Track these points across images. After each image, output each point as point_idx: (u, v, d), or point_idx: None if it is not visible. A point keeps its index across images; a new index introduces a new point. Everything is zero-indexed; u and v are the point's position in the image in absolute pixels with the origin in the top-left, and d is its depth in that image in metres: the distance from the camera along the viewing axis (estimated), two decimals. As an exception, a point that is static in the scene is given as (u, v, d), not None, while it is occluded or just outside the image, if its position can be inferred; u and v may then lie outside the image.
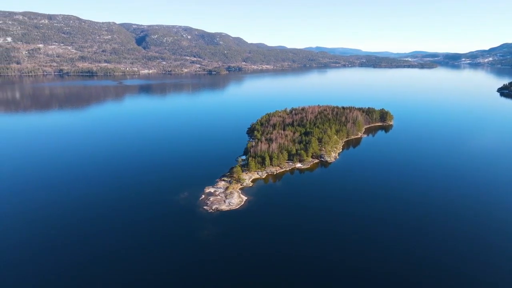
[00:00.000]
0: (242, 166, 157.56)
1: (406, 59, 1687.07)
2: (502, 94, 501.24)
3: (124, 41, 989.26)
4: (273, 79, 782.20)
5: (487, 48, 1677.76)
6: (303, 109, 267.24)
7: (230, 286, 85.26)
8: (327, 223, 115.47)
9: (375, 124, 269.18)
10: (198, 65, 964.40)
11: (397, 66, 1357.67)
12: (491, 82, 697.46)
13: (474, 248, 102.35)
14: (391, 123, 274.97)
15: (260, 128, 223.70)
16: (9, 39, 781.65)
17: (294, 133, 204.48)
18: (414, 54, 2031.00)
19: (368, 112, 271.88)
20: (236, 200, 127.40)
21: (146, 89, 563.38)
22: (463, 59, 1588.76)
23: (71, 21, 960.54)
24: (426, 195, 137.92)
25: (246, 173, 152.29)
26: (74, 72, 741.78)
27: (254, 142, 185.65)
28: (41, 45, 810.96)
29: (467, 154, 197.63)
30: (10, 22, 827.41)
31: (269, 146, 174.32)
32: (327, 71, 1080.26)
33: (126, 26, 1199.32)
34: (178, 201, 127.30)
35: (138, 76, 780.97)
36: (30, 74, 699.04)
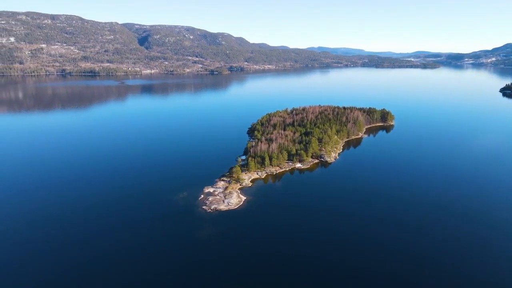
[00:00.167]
0: (242, 166, 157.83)
1: (409, 59, 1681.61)
2: (504, 95, 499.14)
3: (127, 41, 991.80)
4: (274, 79, 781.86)
5: (490, 48, 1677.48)
6: (304, 109, 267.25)
7: (227, 286, 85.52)
8: (326, 223, 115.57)
9: (376, 124, 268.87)
10: (200, 65, 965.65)
11: (400, 66, 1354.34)
12: (494, 82, 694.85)
13: (474, 248, 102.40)
14: (392, 123, 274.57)
15: (260, 128, 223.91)
16: (12, 39, 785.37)
17: (294, 133, 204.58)
18: (416, 54, 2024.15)
19: (369, 112, 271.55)
20: (235, 200, 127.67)
21: (148, 89, 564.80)
22: (466, 59, 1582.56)
23: (73, 21, 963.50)
24: (426, 195, 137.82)
25: (245, 173, 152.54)
26: (76, 72, 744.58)
27: (254, 142, 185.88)
28: (43, 45, 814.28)
29: (468, 155, 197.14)
30: (13, 22, 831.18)
31: (269, 146, 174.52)
32: (329, 71, 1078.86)
33: (128, 26, 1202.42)
34: (177, 201, 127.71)
35: (140, 76, 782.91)
36: (32, 74, 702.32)
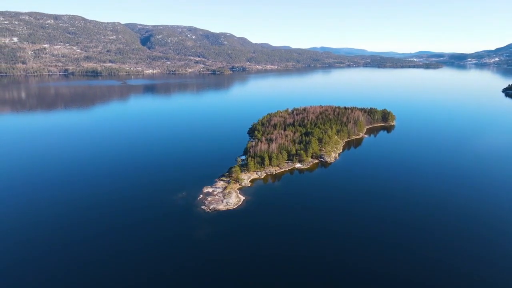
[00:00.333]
0: (242, 166, 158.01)
1: (412, 59, 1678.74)
2: (507, 95, 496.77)
3: (129, 41, 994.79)
4: (276, 79, 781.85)
5: (493, 48, 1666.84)
6: (304, 109, 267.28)
7: (225, 286, 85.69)
8: (325, 223, 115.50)
9: (377, 125, 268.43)
10: (202, 65, 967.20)
11: (402, 66, 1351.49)
12: (496, 82, 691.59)
13: (474, 248, 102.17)
14: (393, 123, 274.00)
15: (261, 128, 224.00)
16: (15, 39, 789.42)
17: (294, 133, 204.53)
18: (419, 54, 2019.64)
19: (370, 112, 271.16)
20: (234, 200, 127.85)
21: (149, 89, 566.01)
22: (469, 59, 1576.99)
23: (76, 21, 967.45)
24: (426, 195, 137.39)
25: (245, 173, 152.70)
26: (79, 72, 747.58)
27: (254, 142, 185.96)
28: (46, 45, 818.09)
29: (469, 155, 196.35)
30: (16, 22, 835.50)
31: (269, 146, 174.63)
32: (331, 71, 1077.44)
33: (131, 26, 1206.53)
34: (176, 200, 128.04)
35: (143, 76, 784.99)
36: (35, 74, 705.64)
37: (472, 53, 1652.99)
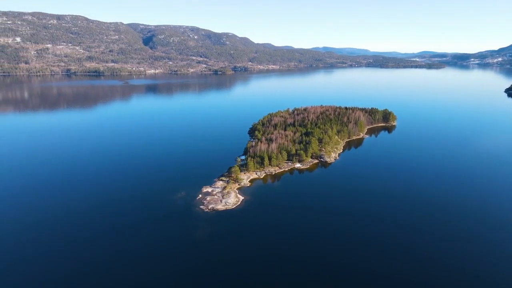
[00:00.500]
0: (241, 166, 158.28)
1: (414, 59, 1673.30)
2: (510, 95, 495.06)
3: (131, 41, 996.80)
4: (277, 80, 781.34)
5: (496, 48, 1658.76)
6: (305, 109, 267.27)
7: (222, 286, 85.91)
8: (324, 223, 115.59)
9: (378, 125, 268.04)
10: (204, 65, 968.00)
11: (405, 66, 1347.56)
12: (499, 83, 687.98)
13: (474, 248, 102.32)
14: (394, 123, 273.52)
15: (261, 128, 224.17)
16: (18, 39, 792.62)
17: (294, 133, 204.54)
18: (422, 54, 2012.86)
19: (371, 112, 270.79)
20: (232, 199, 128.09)
21: (151, 89, 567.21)
22: (472, 59, 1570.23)
23: (79, 22, 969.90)
24: (427, 196, 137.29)
25: (244, 173, 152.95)
26: (81, 72, 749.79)
27: (254, 142, 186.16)
28: (49, 45, 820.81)
29: (470, 155, 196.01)
30: (19, 22, 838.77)
31: (269, 146, 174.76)
32: (333, 71, 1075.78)
33: (133, 26, 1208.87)
34: (175, 200, 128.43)
35: (145, 76, 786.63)
36: (38, 74, 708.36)
37: (475, 53, 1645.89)
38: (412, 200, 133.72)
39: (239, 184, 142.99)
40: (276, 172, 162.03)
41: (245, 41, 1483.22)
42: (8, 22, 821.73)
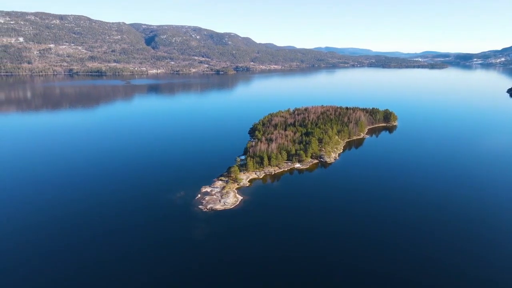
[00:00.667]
0: (241, 166, 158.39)
1: (416, 59, 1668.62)
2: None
3: (134, 41, 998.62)
4: (279, 80, 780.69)
5: (499, 48, 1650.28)
6: (306, 109, 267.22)
7: (219, 286, 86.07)
8: (323, 224, 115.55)
9: (378, 125, 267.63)
10: (206, 65, 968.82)
11: (407, 66, 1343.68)
12: (502, 83, 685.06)
13: (475, 248, 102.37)
14: (395, 123, 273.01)
15: (261, 128, 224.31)
16: (21, 39, 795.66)
17: (295, 133, 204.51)
18: (424, 54, 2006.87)
19: (372, 112, 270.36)
20: (231, 199, 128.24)
21: (153, 89, 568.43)
22: (475, 59, 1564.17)
23: (81, 22, 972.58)
24: (427, 197, 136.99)
25: (243, 173, 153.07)
26: (83, 72, 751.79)
27: (254, 142, 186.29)
28: (52, 45, 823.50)
29: (472, 156, 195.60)
30: (22, 23, 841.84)
31: (269, 146, 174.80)
32: (335, 71, 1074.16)
33: (135, 26, 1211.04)
34: (174, 200, 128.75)
35: (147, 75, 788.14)
36: (40, 73, 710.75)
37: (478, 53, 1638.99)
38: (412, 200, 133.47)
39: (238, 184, 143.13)
40: (275, 172, 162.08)
41: (247, 41, 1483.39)
42: (11, 22, 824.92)
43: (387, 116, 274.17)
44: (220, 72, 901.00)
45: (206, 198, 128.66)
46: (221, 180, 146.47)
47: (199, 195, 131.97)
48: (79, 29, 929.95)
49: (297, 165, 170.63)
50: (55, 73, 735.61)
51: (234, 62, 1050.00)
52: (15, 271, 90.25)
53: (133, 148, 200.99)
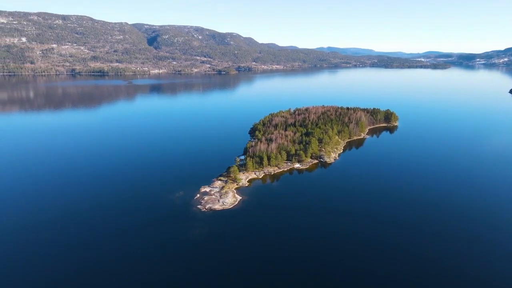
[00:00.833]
0: (240, 166, 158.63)
1: (419, 59, 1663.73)
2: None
3: (136, 41, 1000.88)
4: (280, 80, 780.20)
5: (502, 48, 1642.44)
6: (306, 109, 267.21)
7: (216, 286, 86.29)
8: (322, 224, 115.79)
9: (379, 125, 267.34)
10: (208, 65, 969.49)
11: (409, 67, 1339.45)
12: (504, 83, 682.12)
13: (475, 249, 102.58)
14: (396, 124, 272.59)
15: (261, 128, 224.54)
16: (23, 39, 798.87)
17: (295, 133, 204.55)
18: (427, 55, 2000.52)
19: (373, 112, 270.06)
20: (230, 199, 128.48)
21: (155, 88, 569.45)
22: (478, 60, 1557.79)
23: (84, 22, 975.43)
24: (428, 197, 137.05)
25: (243, 173, 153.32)
26: (85, 72, 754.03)
27: (254, 142, 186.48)
28: (54, 45, 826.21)
29: (472, 156, 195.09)
30: (25, 23, 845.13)
31: (268, 146, 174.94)
32: (337, 72, 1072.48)
33: (138, 27, 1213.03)
34: (173, 199, 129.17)
35: (149, 75, 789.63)
36: (43, 73, 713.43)
37: (481, 53, 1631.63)
38: (412, 201, 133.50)
39: (237, 184, 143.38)
40: (275, 172, 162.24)
41: (250, 41, 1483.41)
42: (14, 22, 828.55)
43: (388, 116, 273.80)
44: (222, 72, 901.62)
45: (205, 198, 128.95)
46: (220, 180, 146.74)
47: (198, 195, 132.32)
48: (82, 29, 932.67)
49: (297, 165, 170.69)
50: (58, 73, 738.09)
51: (236, 62, 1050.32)
52: (16, 271, 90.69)
53: (134, 148, 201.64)
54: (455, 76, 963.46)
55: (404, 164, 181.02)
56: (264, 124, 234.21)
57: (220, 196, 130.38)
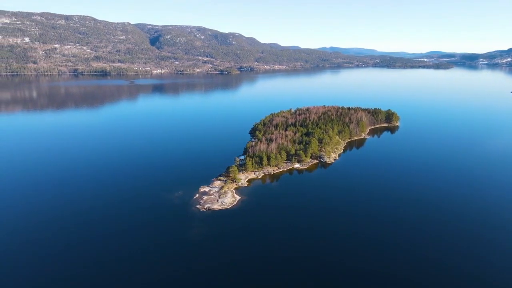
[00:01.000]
0: (240, 166, 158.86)
1: (422, 59, 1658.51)
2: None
3: (138, 41, 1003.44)
4: (282, 80, 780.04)
5: (506, 48, 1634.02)
6: (307, 109, 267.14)
7: (212, 285, 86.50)
8: (321, 224, 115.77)
9: (380, 125, 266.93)
10: (210, 65, 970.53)
11: (412, 67, 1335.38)
12: (507, 83, 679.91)
13: (475, 249, 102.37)
14: (397, 124, 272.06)
15: (262, 128, 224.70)
16: (26, 39, 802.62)
17: (295, 133, 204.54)
18: (430, 55, 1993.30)
19: (374, 113, 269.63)
20: (229, 199, 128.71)
21: (156, 88, 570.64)
22: (481, 60, 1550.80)
23: (87, 22, 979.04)
24: (428, 197, 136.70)
25: (242, 173, 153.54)
26: (88, 72, 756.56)
27: (254, 142, 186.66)
28: (57, 45, 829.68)
29: (474, 156, 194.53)
30: (28, 23, 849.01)
31: (268, 146, 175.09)
32: (339, 72, 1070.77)
33: (140, 27, 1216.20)
34: (172, 199, 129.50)
35: (151, 75, 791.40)
36: (46, 73, 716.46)
37: (484, 53, 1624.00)
38: (412, 201, 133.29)
39: (236, 184, 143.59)
40: (274, 172, 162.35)
41: (252, 41, 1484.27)
42: (17, 22, 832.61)
43: (389, 116, 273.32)
44: (224, 72, 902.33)
45: (204, 198, 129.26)
46: (220, 180, 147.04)
47: (197, 195, 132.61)
48: (85, 29, 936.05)
49: (297, 165, 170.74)
50: (60, 73, 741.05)
51: (238, 62, 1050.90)
52: (16, 271, 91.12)
53: (135, 148, 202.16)
54: (457, 76, 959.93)
55: (404, 164, 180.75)
56: (264, 124, 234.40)
57: (219, 196, 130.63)
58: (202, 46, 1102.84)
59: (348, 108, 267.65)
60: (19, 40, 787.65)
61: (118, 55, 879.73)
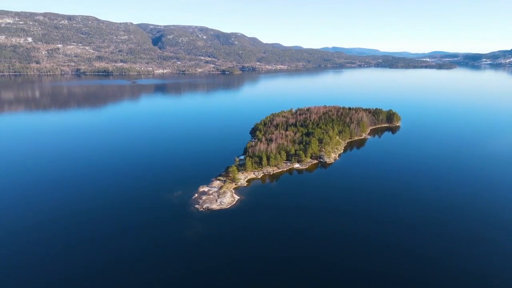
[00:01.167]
0: (239, 166, 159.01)
1: (424, 59, 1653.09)
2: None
3: (141, 41, 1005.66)
4: (284, 80, 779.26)
5: (509, 48, 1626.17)
6: (308, 109, 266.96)
7: (211, 285, 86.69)
8: (320, 223, 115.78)
9: (381, 125, 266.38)
10: (212, 65, 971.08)
11: (414, 67, 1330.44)
12: (510, 83, 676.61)
13: (475, 249, 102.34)
14: (398, 124, 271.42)
15: (262, 128, 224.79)
16: (29, 39, 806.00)
17: (295, 133, 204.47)
18: (433, 55, 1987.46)
19: (375, 113, 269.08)
20: (228, 199, 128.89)
21: (159, 88, 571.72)
22: (484, 60, 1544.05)
23: (89, 22, 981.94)
24: (428, 197, 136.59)
25: (242, 173, 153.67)
26: (90, 72, 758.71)
27: (254, 142, 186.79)
28: (60, 45, 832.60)
29: (474, 157, 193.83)
30: (31, 23, 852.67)
31: (268, 146, 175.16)
32: (341, 72, 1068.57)
33: (143, 27, 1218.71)
34: (171, 199, 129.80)
35: (153, 75, 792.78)
36: (48, 73, 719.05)
37: (487, 53, 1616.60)
38: (413, 201, 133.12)
39: (236, 184, 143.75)
40: (274, 172, 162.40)
41: (254, 41, 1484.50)
42: (20, 22, 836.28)
43: (390, 116, 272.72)
44: (226, 72, 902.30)
45: (203, 198, 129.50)
46: (219, 179, 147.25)
47: (196, 195, 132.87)
48: (87, 29, 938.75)
49: (296, 165, 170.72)
50: (63, 73, 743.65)
51: (240, 62, 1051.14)
52: (16, 271, 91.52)
53: (135, 147, 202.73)
54: (460, 76, 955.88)
55: (405, 164, 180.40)
56: (265, 124, 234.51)
57: (218, 196, 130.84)
58: (204, 46, 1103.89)
59: (349, 108, 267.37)
60: (22, 40, 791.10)
61: (121, 55, 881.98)
